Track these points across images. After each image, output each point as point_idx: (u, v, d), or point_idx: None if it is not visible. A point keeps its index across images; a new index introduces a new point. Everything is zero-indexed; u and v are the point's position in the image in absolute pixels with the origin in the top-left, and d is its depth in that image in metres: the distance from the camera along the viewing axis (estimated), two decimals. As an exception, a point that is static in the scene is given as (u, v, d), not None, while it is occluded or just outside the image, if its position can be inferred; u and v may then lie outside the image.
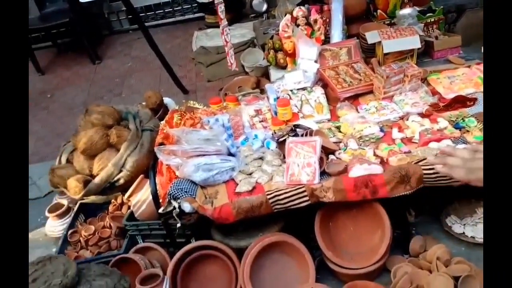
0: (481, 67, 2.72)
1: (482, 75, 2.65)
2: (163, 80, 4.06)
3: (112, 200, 2.65)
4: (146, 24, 5.01)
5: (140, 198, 2.35)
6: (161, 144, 2.32)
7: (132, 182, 2.50)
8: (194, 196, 2.06)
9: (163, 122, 2.58)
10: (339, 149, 2.25)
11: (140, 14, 5.14)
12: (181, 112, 2.46)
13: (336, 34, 3.16)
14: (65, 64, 4.79)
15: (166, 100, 3.31)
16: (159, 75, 4.12)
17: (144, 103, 3.20)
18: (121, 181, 2.59)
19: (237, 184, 2.10)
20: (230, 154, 2.26)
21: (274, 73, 3.29)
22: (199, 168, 2.08)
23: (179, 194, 2.04)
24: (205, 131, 2.26)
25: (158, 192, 2.17)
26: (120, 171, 2.59)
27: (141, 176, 2.47)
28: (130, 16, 4.96)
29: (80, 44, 4.69)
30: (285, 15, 3.37)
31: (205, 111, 2.63)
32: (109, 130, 2.67)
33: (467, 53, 3.06)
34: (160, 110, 3.13)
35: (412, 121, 2.37)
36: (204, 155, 2.15)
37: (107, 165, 2.58)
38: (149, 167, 2.34)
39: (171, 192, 2.06)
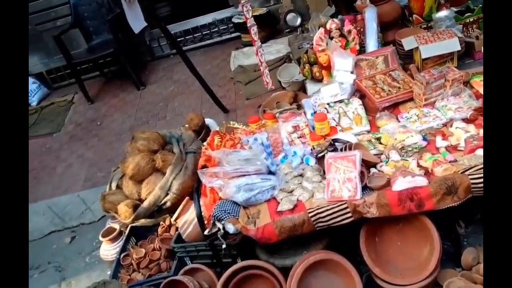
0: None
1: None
2: (204, 101, 4.18)
3: (161, 223, 2.76)
4: (186, 47, 5.21)
5: (186, 220, 2.42)
6: (204, 166, 2.39)
7: (178, 204, 2.57)
8: (237, 216, 2.10)
9: (205, 144, 2.67)
10: (381, 162, 2.21)
11: (179, 39, 5.32)
12: (221, 134, 2.52)
13: (372, 43, 3.12)
14: (112, 92, 5.04)
15: (208, 121, 3.40)
16: (201, 97, 4.24)
17: (187, 126, 3.31)
18: (168, 204, 2.68)
19: (279, 203, 2.12)
20: (270, 172, 2.29)
21: (310, 87, 3.29)
22: (241, 189, 2.12)
23: (223, 216, 2.09)
24: (245, 151, 2.31)
25: (203, 213, 2.23)
26: (167, 194, 2.68)
27: (187, 198, 2.55)
28: (169, 42, 5.15)
29: (125, 72, 4.93)
30: (319, 28, 3.38)
31: (245, 131, 2.68)
32: (155, 155, 2.77)
33: (513, 49, 2.92)
34: (202, 132, 3.21)
35: (456, 127, 2.29)
36: (244, 175, 2.19)
37: (154, 189, 2.68)
38: (193, 189, 2.41)
39: (215, 214, 2.11)
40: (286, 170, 2.30)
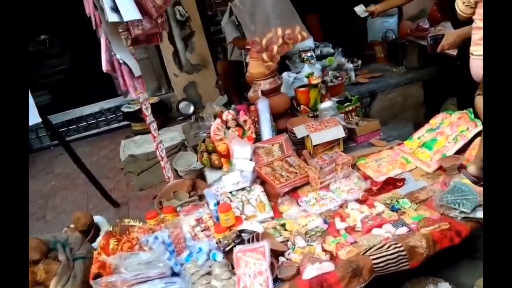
0: (402, 147, 2.92)
1: (405, 155, 2.83)
2: (91, 196, 3.83)
3: None
4: (69, 138, 4.86)
5: None
6: (98, 275, 2.09)
7: (65, 323, 2.18)
8: (140, 332, 1.83)
9: (96, 245, 2.37)
10: (288, 249, 2.19)
11: (61, 129, 4.97)
12: (116, 235, 2.27)
13: (266, 132, 3.28)
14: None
15: (97, 218, 3.07)
16: (87, 191, 3.89)
17: (72, 226, 2.94)
18: (52, 323, 2.25)
19: (187, 309, 1.92)
20: (174, 274, 2.10)
21: (210, 175, 3.26)
22: (143, 298, 1.88)
23: (123, 334, 1.80)
24: (145, 254, 2.09)
25: (97, 333, 1.90)
26: (51, 312, 2.25)
27: (76, 315, 2.17)
28: (50, 132, 4.77)
29: (-5, 167, 4.36)
30: (214, 117, 3.45)
31: (142, 229, 2.45)
32: (36, 266, 2.36)
33: (386, 133, 3.31)
34: (91, 231, 2.88)
35: (351, 209, 2.41)
36: (146, 281, 1.97)
37: (33, 308, 2.25)
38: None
39: (112, 332, 1.81)
40: (192, 269, 2.13)
